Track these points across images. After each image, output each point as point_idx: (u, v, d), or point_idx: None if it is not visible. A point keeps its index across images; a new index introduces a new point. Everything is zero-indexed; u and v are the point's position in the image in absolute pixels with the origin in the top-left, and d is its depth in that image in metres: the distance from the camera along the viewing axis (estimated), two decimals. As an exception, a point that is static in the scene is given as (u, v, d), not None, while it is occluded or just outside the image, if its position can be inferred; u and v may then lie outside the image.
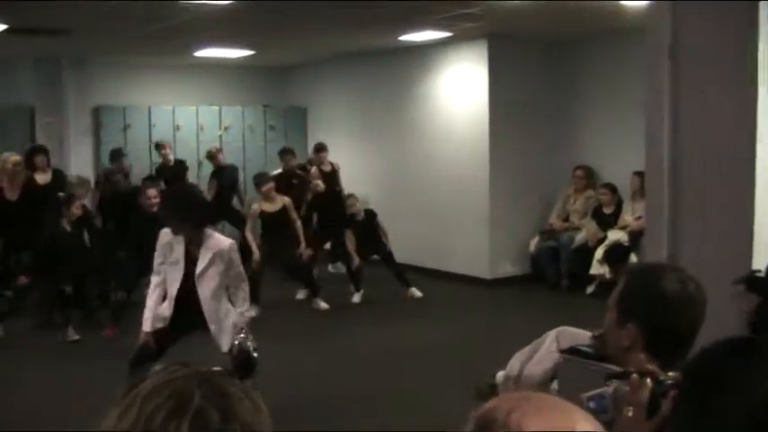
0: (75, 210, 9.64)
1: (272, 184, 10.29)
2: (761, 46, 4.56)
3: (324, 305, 10.33)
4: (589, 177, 11.58)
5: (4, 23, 9.72)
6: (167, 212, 6.11)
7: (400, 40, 11.64)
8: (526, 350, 5.27)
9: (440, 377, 7.38)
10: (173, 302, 5.94)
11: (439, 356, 8.15)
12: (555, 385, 4.99)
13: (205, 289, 5.90)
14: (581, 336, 4.78)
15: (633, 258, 10.12)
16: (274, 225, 10.15)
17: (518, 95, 11.59)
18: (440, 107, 12.33)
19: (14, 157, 10.05)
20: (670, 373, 1.94)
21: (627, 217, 10.78)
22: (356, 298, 10.60)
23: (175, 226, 5.87)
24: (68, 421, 5.87)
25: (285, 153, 12.02)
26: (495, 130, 11.50)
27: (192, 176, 12.92)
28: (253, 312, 10.05)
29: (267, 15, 9.45)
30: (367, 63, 13.36)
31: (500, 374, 5.38)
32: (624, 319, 2.34)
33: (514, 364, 5.29)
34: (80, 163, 12.98)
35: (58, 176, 10.77)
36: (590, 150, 11.64)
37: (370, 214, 10.83)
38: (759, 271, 4.25)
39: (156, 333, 5.93)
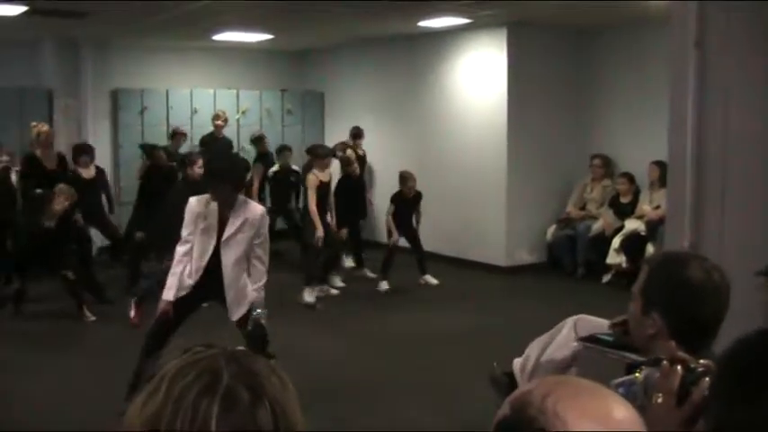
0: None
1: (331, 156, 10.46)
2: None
3: (338, 284, 10.55)
4: (607, 166, 11.54)
5: (25, 5, 9.73)
6: (209, 172, 6.19)
7: (419, 26, 11.60)
8: (543, 338, 5.25)
9: (455, 364, 7.38)
10: (200, 272, 5.95)
11: (455, 343, 8.15)
12: (572, 372, 4.98)
13: (230, 255, 5.93)
14: (599, 324, 4.76)
15: (650, 248, 10.08)
16: (326, 197, 10.16)
17: (537, 83, 11.55)
18: (458, 94, 12.29)
19: (45, 127, 10.50)
20: (701, 361, 1.92)
21: (644, 206, 10.74)
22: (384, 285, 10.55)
23: (214, 187, 5.90)
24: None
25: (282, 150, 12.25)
26: (513, 117, 11.47)
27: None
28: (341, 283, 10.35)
29: (286, 0, 9.44)
30: (386, 48, 13.33)
31: (516, 362, 5.36)
32: (649, 308, 2.33)
33: (531, 351, 5.27)
34: (98, 145, 12.99)
35: (101, 173, 11.21)
36: (608, 139, 11.60)
37: (418, 196, 10.78)
38: (781, 262, 4.23)
39: (176, 302, 5.95)
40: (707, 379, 1.80)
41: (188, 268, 5.95)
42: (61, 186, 9.40)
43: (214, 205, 5.89)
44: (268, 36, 12.81)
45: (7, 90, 12.70)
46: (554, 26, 11.32)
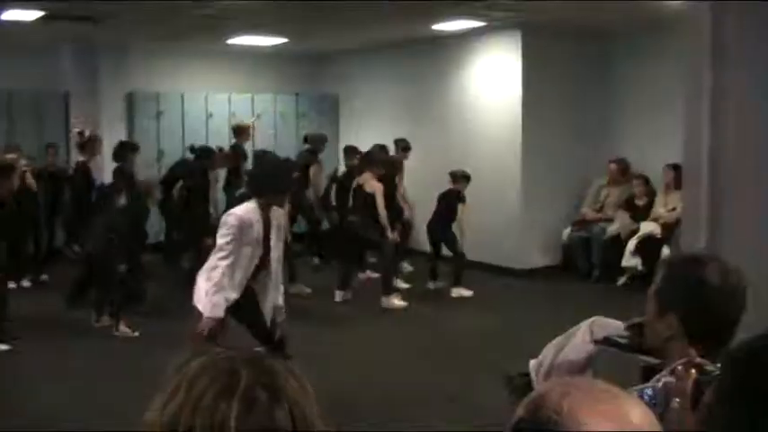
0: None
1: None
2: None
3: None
4: (624, 172, 11.50)
5: (42, 10, 9.79)
6: (260, 180, 6.13)
7: (434, 30, 11.61)
8: (559, 340, 5.24)
9: (471, 366, 7.38)
10: (244, 283, 5.93)
11: (470, 346, 8.15)
12: (588, 374, 4.97)
13: (275, 260, 6.01)
14: (615, 326, 4.76)
15: (666, 251, 10.05)
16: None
17: (551, 86, 11.55)
18: (472, 97, 12.30)
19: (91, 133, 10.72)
20: (718, 365, 1.93)
21: (660, 209, 10.72)
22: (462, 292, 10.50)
23: (267, 194, 5.89)
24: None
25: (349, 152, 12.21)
26: (528, 120, 11.47)
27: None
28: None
29: (301, 4, 9.46)
30: (400, 52, 13.34)
31: (533, 362, 5.35)
32: (665, 310, 2.32)
33: (547, 353, 5.26)
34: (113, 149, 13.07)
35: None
36: (623, 142, 11.59)
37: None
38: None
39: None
40: None
41: (230, 280, 5.86)
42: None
43: (260, 215, 5.87)
44: (283, 39, 12.84)
45: (24, 93, 12.81)
46: (568, 29, 11.30)
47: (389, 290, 9.90)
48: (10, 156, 10.87)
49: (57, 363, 7.63)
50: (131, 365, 7.26)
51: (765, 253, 4.60)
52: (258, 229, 5.85)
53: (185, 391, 1.22)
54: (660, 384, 2.05)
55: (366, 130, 13.72)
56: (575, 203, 11.87)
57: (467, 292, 10.38)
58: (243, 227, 5.80)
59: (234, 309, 5.93)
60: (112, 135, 13.19)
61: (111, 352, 8.00)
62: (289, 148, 13.66)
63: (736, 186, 4.74)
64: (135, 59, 13.46)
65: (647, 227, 10.64)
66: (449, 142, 12.48)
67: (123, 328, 8.55)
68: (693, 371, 1.94)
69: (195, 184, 10.86)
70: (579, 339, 5.04)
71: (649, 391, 2.05)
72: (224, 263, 5.78)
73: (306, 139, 12.46)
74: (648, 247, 10.33)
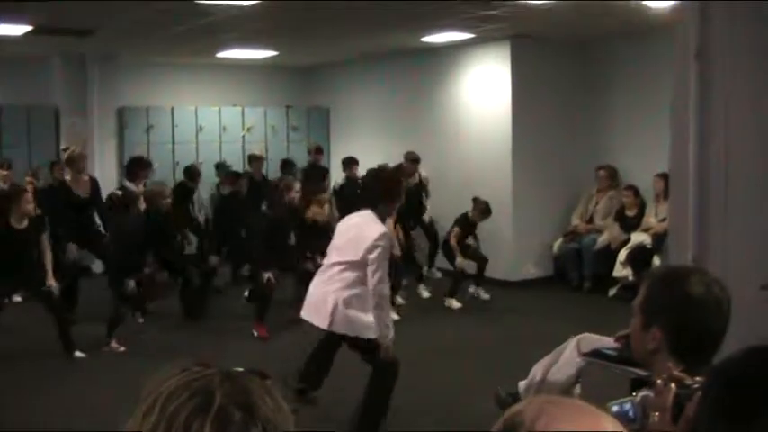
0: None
1: None
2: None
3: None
4: (612, 178, 11.53)
5: (31, 24, 9.79)
6: (372, 192, 6.01)
7: (423, 41, 11.64)
8: (548, 358, 5.27)
9: (462, 379, 7.35)
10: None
11: (462, 357, 8.13)
12: (578, 389, 4.99)
13: None
14: (602, 341, 4.79)
15: (656, 261, 10.06)
16: None
17: (541, 97, 11.56)
18: (463, 108, 12.31)
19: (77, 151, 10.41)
20: (697, 378, 1.93)
21: (650, 219, 10.73)
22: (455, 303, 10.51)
23: (381, 206, 5.80)
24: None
25: (349, 163, 12.28)
26: (518, 131, 11.48)
27: (214, 177, 12.92)
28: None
29: (290, 16, 9.48)
30: (390, 64, 13.36)
31: (522, 384, 5.37)
32: (649, 323, 2.33)
33: (537, 371, 5.29)
34: (104, 164, 13.07)
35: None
36: (613, 152, 11.60)
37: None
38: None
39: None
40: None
41: (383, 298, 5.74)
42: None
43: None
44: (273, 52, 12.86)
45: (14, 108, 12.80)
46: (557, 38, 11.34)
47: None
48: (28, 178, 10.92)
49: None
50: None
51: (754, 263, 4.60)
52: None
53: (160, 409, 1.22)
54: (639, 398, 2.05)
55: (357, 141, 13.73)
56: (565, 214, 11.87)
57: (457, 304, 10.40)
58: (390, 245, 5.79)
59: None
60: (103, 149, 13.23)
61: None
62: (279, 160, 13.66)
63: (724, 196, 4.74)
64: (125, 73, 13.46)
65: (638, 237, 10.65)
66: (439, 153, 12.48)
67: (113, 345, 8.53)
68: (673, 385, 1.94)
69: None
70: (567, 356, 5.06)
71: (628, 405, 2.06)
72: (386, 287, 5.71)
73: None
74: (639, 258, 10.33)
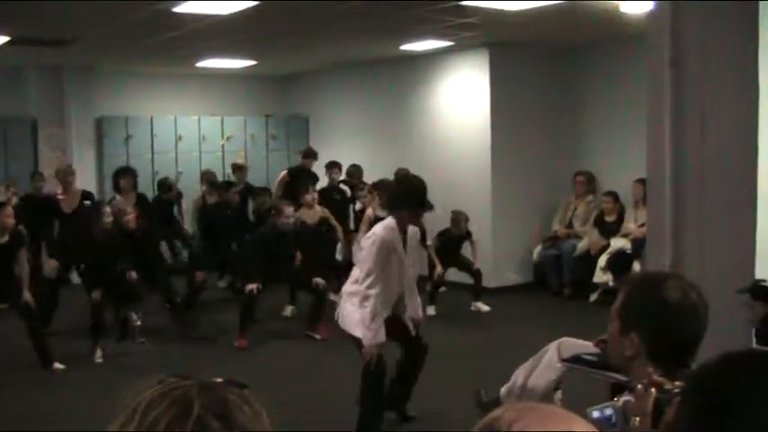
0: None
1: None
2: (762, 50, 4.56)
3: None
4: (590, 182, 11.59)
5: (7, 35, 9.75)
6: (400, 198, 6.04)
7: (401, 50, 11.66)
8: (528, 363, 5.28)
9: (443, 383, 7.35)
10: (394, 300, 5.94)
11: (443, 363, 8.11)
12: (559, 395, 5.01)
13: (411, 276, 6.01)
14: (582, 346, 4.80)
15: (636, 266, 10.11)
16: None
17: (520, 103, 11.61)
18: (441, 116, 12.35)
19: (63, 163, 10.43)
20: (676, 383, 1.95)
21: (629, 225, 10.78)
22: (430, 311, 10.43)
23: (404, 212, 5.84)
24: None
25: (332, 166, 12.23)
26: (497, 138, 11.52)
27: (194, 185, 12.89)
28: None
29: (269, 25, 9.48)
30: (368, 72, 13.38)
31: (503, 389, 5.39)
32: (626, 329, 2.34)
33: (517, 377, 5.30)
34: (83, 174, 12.98)
35: (142, 200, 10.95)
36: (592, 157, 11.66)
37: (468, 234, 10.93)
38: (764, 280, 4.25)
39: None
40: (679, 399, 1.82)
41: (382, 305, 5.80)
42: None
43: (397, 231, 5.82)
44: (251, 62, 12.86)
45: (-9, 120, 12.71)
46: (535, 46, 11.38)
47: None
48: (12, 189, 10.90)
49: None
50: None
51: (730, 268, 4.63)
52: (399, 246, 5.83)
53: (139, 419, 1.22)
54: (620, 403, 2.07)
55: (336, 149, 13.70)
56: (545, 220, 11.91)
57: (432, 312, 10.39)
58: (386, 247, 5.76)
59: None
60: (82, 159, 13.16)
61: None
62: (259, 170, 13.65)
63: (700, 202, 4.77)
64: (103, 83, 13.42)
65: (618, 242, 10.70)
66: (418, 161, 12.47)
67: (97, 354, 8.51)
68: (653, 390, 1.95)
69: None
70: (547, 361, 5.07)
71: (608, 411, 2.07)
72: (374, 289, 5.71)
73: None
74: (619, 263, 10.37)
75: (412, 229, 6.00)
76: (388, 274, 5.80)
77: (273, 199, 11.76)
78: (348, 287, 5.99)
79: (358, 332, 5.78)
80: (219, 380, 1.35)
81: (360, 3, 8.23)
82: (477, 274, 10.71)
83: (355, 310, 5.81)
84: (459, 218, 10.73)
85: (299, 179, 11.95)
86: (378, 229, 5.89)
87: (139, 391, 1.28)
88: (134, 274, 8.90)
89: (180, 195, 12.43)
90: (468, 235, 10.81)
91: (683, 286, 2.32)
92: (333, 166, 12.18)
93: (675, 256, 4.70)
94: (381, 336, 5.75)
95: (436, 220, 10.66)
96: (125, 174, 10.83)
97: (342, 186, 12.17)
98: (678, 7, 4.74)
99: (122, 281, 8.86)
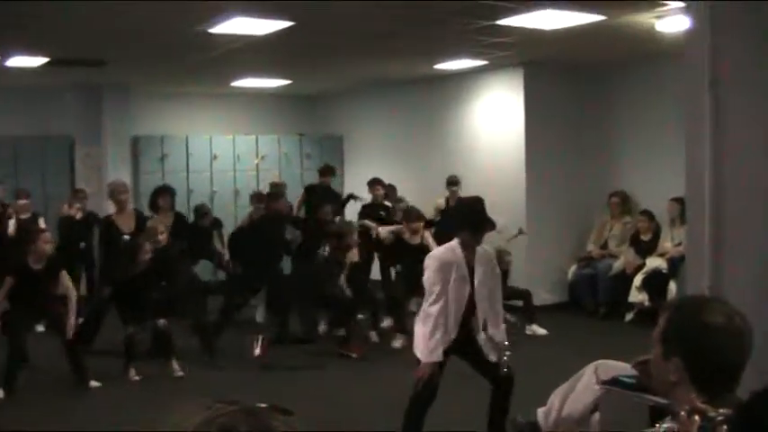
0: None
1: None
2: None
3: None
4: (625, 203, 11.51)
5: (46, 56, 9.87)
6: (462, 219, 6.11)
7: (436, 69, 11.68)
8: (565, 386, 5.23)
9: (475, 407, 7.30)
10: (458, 322, 5.82)
11: (475, 385, 8.06)
12: (597, 417, 4.96)
13: (482, 300, 5.87)
14: (619, 368, 4.75)
15: (672, 286, 10.02)
16: None
17: (554, 122, 11.58)
18: (476, 135, 12.34)
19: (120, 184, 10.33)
20: (720, 410, 1.92)
21: (665, 244, 10.68)
22: None
23: (464, 233, 5.84)
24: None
25: (373, 183, 12.14)
26: (532, 157, 11.49)
27: (229, 205, 12.97)
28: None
29: (303, 45, 9.53)
30: (402, 91, 13.41)
31: (540, 411, 5.34)
32: (669, 353, 2.30)
33: (554, 400, 5.25)
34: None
35: (180, 219, 10.83)
36: (626, 176, 11.59)
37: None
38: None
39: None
40: (724, 427, 1.79)
41: (442, 324, 5.77)
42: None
43: (460, 252, 5.80)
44: (286, 81, 12.93)
45: (29, 138, 12.89)
46: (570, 65, 11.36)
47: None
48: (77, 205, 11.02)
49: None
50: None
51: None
52: (462, 267, 5.78)
53: None
54: (662, 430, 2.04)
55: (370, 168, 13.72)
56: (579, 240, 11.85)
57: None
58: (443, 267, 5.75)
59: (456, 348, 5.87)
60: (118, 178, 13.23)
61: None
62: (293, 189, 13.68)
63: (740, 224, 4.72)
64: (139, 103, 13.55)
65: (653, 262, 10.60)
66: (453, 180, 12.50)
67: (131, 374, 8.54)
68: (697, 417, 1.93)
69: None
70: (584, 384, 5.03)
71: None
72: (434, 307, 5.72)
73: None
74: (655, 283, 10.29)
75: (484, 251, 5.95)
76: (450, 295, 5.75)
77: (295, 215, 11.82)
78: (420, 312, 6.00)
79: (417, 351, 5.79)
80: (264, 405, 1.35)
81: (395, 24, 8.27)
82: (527, 296, 10.49)
83: (418, 330, 5.83)
84: (502, 256, 10.45)
85: (314, 196, 11.95)
86: (436, 250, 6.02)
87: (185, 417, 1.29)
88: (164, 323, 8.88)
89: (217, 223, 11.93)
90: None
91: (727, 311, 2.29)
92: (375, 184, 12.13)
93: (715, 279, 4.65)
94: (437, 355, 5.71)
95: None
96: (163, 193, 10.79)
97: (386, 203, 12.10)
98: (717, 27, 4.71)
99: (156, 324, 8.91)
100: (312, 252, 10.49)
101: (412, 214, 10.08)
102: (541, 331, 10.25)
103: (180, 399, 1.32)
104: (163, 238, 9.20)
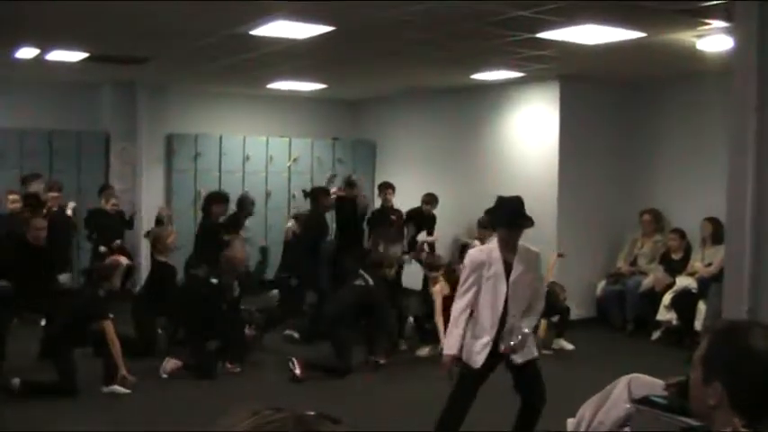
0: None
1: None
2: None
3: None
4: (657, 221, 11.44)
5: (86, 51, 9.95)
6: (492, 217, 6.22)
7: (473, 79, 11.66)
8: (596, 397, 5.22)
9: (502, 421, 7.28)
10: (496, 325, 5.72)
11: (503, 401, 8.05)
12: (627, 432, 4.94)
13: (519, 300, 5.75)
14: (653, 384, 4.73)
15: (701, 306, 9.95)
16: None
17: (588, 137, 11.54)
18: (510, 147, 12.32)
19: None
20: None
21: (696, 263, 10.60)
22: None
23: (501, 231, 5.86)
24: None
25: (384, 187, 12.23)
26: (565, 170, 11.46)
27: (260, 206, 13.01)
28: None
29: (342, 51, 9.55)
30: (438, 100, 13.40)
31: (570, 422, 5.32)
32: (710, 377, 2.29)
33: (585, 411, 5.23)
34: (152, 189, 13.21)
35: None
36: (659, 194, 11.52)
37: None
38: None
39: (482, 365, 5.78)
40: None
41: (478, 324, 5.76)
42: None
43: (497, 251, 5.75)
44: (321, 85, 12.95)
45: (66, 133, 13.00)
46: (607, 80, 11.32)
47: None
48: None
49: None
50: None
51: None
52: (497, 265, 5.71)
53: None
54: None
55: (402, 175, 13.74)
56: (609, 255, 11.79)
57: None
58: (474, 267, 5.74)
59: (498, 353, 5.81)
60: (151, 175, 13.36)
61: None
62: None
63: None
64: (174, 101, 13.62)
65: (683, 281, 10.52)
66: (484, 191, 12.40)
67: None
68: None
69: None
70: (617, 397, 5.01)
71: None
72: (457, 304, 5.76)
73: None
74: (684, 302, 10.22)
75: (526, 250, 5.86)
76: (484, 295, 5.71)
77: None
78: None
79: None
80: (312, 413, 1.35)
81: (435, 33, 8.27)
82: (566, 312, 10.36)
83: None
84: (557, 292, 10.18)
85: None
86: (472, 249, 6.12)
87: (233, 423, 1.29)
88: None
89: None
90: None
91: (770, 336, 2.28)
92: (386, 188, 12.09)
93: (754, 302, 4.62)
94: (453, 347, 5.69)
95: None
96: (218, 201, 10.84)
97: (396, 208, 12.09)
98: (764, 51, 4.68)
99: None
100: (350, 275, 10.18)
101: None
102: (569, 346, 10.16)
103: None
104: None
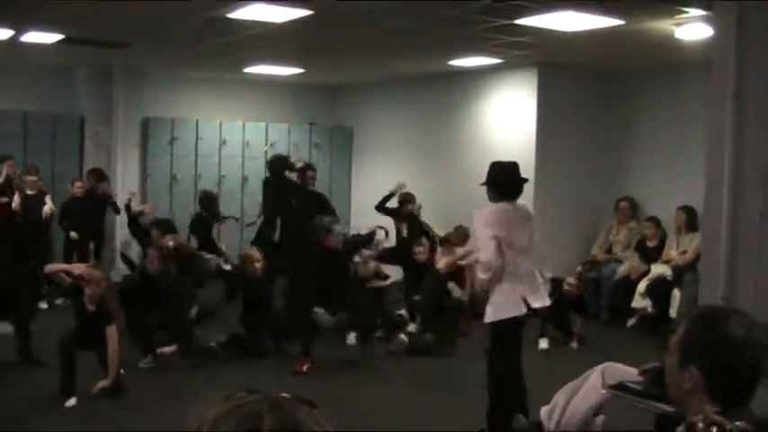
0: None
1: None
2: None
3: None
4: (633, 209, 11.49)
5: (61, 33, 9.86)
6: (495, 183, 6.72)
7: (451, 65, 11.66)
8: (570, 386, 5.21)
9: (477, 410, 7.30)
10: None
11: (477, 389, 8.07)
12: (600, 420, 4.94)
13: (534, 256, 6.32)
14: (627, 372, 4.74)
15: (676, 293, 10.00)
16: None
17: (566, 125, 11.57)
18: (486, 133, 12.32)
19: None
20: (737, 423, 1.91)
21: (671, 252, 10.65)
22: None
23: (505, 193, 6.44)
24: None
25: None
26: (541, 158, 11.48)
27: (236, 192, 12.96)
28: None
29: (320, 36, 9.52)
30: (416, 86, 13.39)
31: (544, 410, 5.32)
32: (686, 362, 2.30)
33: (559, 399, 5.23)
34: (127, 173, 13.13)
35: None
36: (635, 183, 11.58)
37: None
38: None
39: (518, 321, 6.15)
40: None
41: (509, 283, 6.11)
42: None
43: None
44: (299, 70, 12.90)
45: (41, 115, 12.88)
46: (585, 69, 11.35)
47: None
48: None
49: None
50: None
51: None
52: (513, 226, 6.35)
53: None
54: None
55: (379, 161, 13.74)
56: (585, 243, 11.83)
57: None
58: (500, 228, 6.38)
59: None
60: (127, 159, 13.27)
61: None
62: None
63: (758, 236, 4.71)
64: (151, 85, 13.53)
65: (658, 269, 10.58)
66: (461, 177, 12.45)
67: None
68: (714, 429, 1.91)
69: None
70: (591, 385, 5.00)
71: None
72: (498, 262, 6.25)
73: None
74: (659, 290, 10.27)
75: (522, 206, 6.64)
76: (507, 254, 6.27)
77: None
78: None
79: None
80: (287, 395, 1.33)
81: (413, 20, 8.25)
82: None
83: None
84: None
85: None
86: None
87: (206, 407, 1.28)
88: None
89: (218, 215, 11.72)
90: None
91: (748, 323, 2.28)
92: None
93: (729, 289, 4.64)
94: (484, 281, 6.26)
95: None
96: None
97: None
98: (743, 37, 4.69)
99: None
100: None
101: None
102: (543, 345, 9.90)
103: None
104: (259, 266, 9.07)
